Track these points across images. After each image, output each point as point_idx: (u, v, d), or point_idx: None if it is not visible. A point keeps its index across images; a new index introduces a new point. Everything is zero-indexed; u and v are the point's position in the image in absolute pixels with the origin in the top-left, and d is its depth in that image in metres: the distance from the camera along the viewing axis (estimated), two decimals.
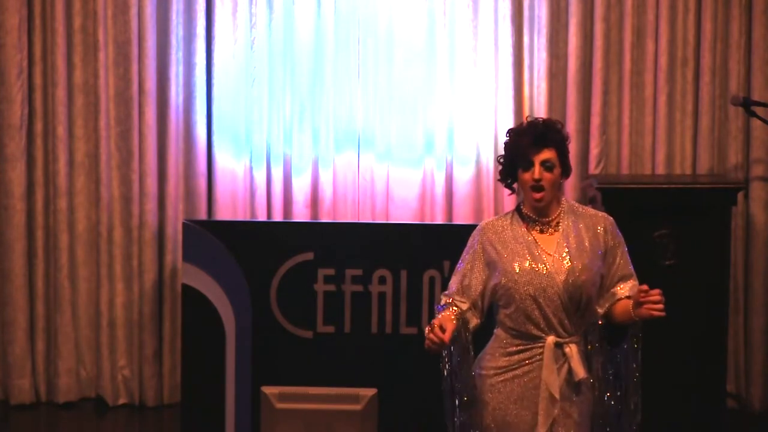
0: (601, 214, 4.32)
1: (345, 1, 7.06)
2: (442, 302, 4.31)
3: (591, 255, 4.23)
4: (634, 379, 4.32)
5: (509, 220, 4.30)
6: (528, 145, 4.19)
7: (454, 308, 4.27)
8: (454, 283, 4.32)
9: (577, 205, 4.34)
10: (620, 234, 4.31)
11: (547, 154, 4.19)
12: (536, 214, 4.26)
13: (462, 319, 4.26)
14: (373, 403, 6.17)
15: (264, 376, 6.24)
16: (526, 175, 4.20)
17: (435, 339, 4.09)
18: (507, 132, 4.31)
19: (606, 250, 4.27)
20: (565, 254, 4.21)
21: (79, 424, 7.03)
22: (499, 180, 4.35)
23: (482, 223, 4.35)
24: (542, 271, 4.19)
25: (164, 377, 7.18)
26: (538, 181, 4.19)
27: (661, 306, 4.11)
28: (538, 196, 4.21)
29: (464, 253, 4.33)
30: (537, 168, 4.19)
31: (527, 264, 4.20)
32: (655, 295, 4.11)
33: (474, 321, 4.29)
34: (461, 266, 4.32)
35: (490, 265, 4.27)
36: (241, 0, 7.06)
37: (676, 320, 6.17)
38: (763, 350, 7.06)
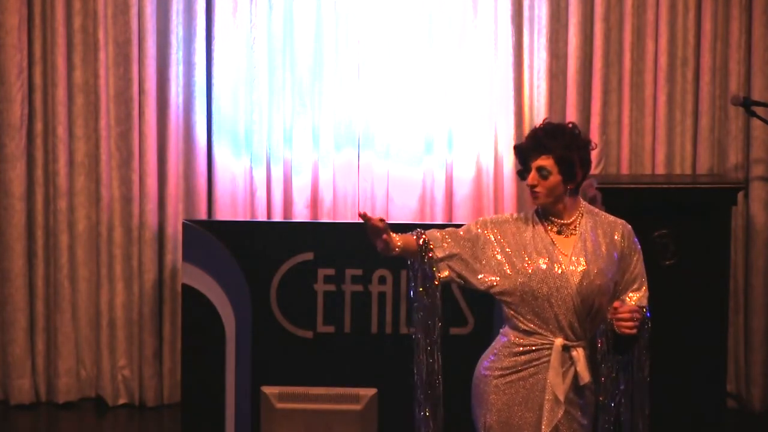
0: (620, 221, 4.34)
1: (345, 1, 7.06)
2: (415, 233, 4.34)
3: (607, 260, 4.24)
4: (643, 387, 4.33)
5: (530, 220, 4.30)
6: (526, 150, 4.25)
7: (423, 241, 4.29)
8: (441, 230, 4.33)
9: (596, 210, 4.35)
10: (638, 242, 4.32)
11: (542, 162, 4.21)
12: (556, 217, 4.27)
13: (430, 258, 4.28)
14: (373, 403, 6.18)
15: (264, 376, 6.24)
16: (526, 178, 4.24)
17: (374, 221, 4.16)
18: None
19: (621, 257, 4.27)
20: (581, 257, 4.21)
21: (79, 424, 7.03)
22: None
23: (503, 215, 4.36)
24: (557, 271, 4.20)
25: (164, 377, 7.18)
26: (532, 187, 4.22)
27: (630, 324, 4.15)
28: (533, 199, 4.26)
29: (467, 225, 4.33)
30: (532, 174, 4.23)
31: (543, 264, 4.21)
32: (624, 313, 4.16)
33: (444, 273, 4.30)
34: (458, 228, 4.33)
35: (483, 249, 4.27)
36: (241, 0, 7.06)
37: (677, 320, 6.18)
38: (763, 350, 7.06)
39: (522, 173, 4.31)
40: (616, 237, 4.29)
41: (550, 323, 4.21)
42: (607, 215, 4.35)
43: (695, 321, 6.26)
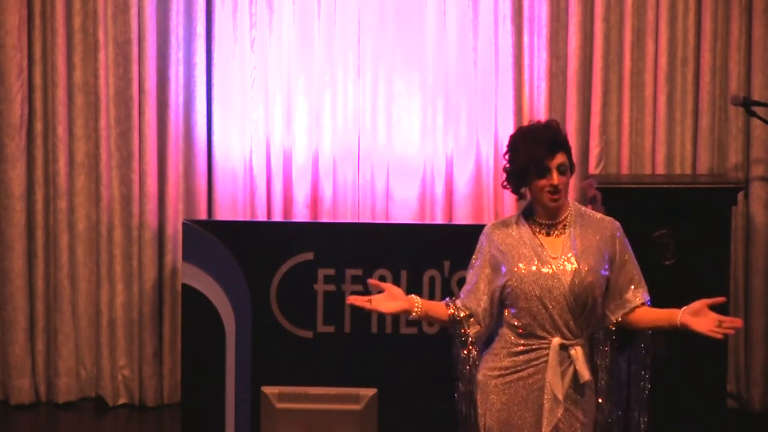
0: (608, 218, 4.33)
1: (345, 0, 7.06)
2: (447, 301, 4.34)
3: (597, 257, 4.23)
4: (643, 385, 4.33)
5: (515, 223, 4.30)
6: (543, 151, 4.19)
7: (452, 311, 4.29)
8: (463, 291, 4.34)
9: (584, 208, 4.34)
10: (627, 240, 4.32)
11: (560, 158, 4.19)
12: (547, 217, 4.26)
13: (458, 324, 4.28)
14: (373, 403, 6.17)
15: (264, 376, 6.24)
16: (542, 182, 4.18)
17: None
18: (513, 138, 4.29)
19: (613, 255, 4.27)
20: (571, 256, 4.21)
21: (79, 424, 7.03)
22: (505, 187, 4.32)
23: (488, 227, 4.34)
24: (548, 272, 4.19)
25: (164, 377, 7.18)
26: (556, 186, 4.19)
27: (726, 332, 4.20)
28: (555, 199, 4.21)
29: (473, 259, 4.33)
30: (555, 173, 4.19)
31: (533, 266, 4.20)
32: (736, 322, 4.21)
33: (475, 329, 4.30)
34: (470, 272, 4.33)
35: (496, 268, 4.27)
36: (241, 0, 7.06)
37: None
38: (763, 350, 7.06)
39: (517, 183, 4.26)
40: (606, 235, 4.28)
41: (546, 323, 4.20)
42: (595, 213, 4.35)
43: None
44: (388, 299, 4.29)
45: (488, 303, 4.27)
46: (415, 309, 4.26)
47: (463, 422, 4.34)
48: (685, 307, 4.25)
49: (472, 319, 4.29)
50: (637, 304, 4.30)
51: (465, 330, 4.28)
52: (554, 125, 4.25)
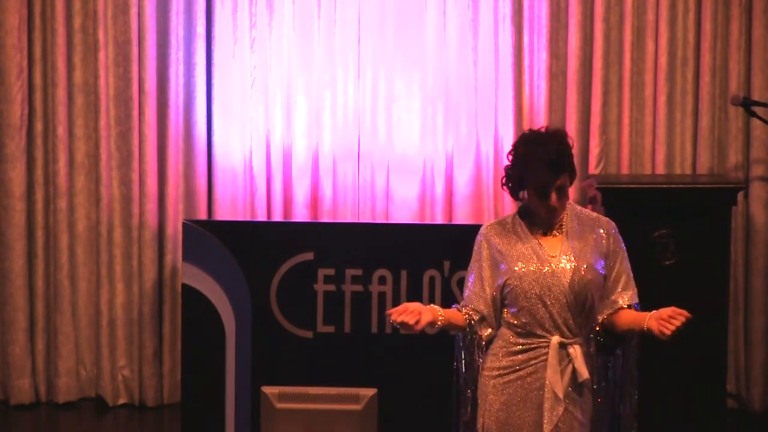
0: (604, 218, 4.34)
1: (345, 0, 7.07)
2: (457, 307, 4.33)
3: (595, 256, 4.24)
4: (631, 384, 4.33)
5: (511, 223, 4.30)
6: (545, 174, 4.15)
7: (467, 316, 4.29)
8: (466, 295, 4.33)
9: (579, 208, 4.34)
10: (622, 240, 4.32)
11: (562, 180, 4.18)
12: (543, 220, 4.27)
13: (472, 328, 4.29)
14: (373, 403, 6.17)
15: (264, 376, 6.24)
16: (542, 202, 4.19)
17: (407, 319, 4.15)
18: (516, 147, 4.26)
19: (608, 254, 4.27)
20: (569, 254, 4.22)
21: (79, 424, 7.03)
22: (503, 186, 4.32)
23: (484, 228, 4.34)
24: (547, 271, 4.20)
25: (164, 377, 7.18)
26: (554, 207, 4.20)
27: (673, 326, 4.12)
28: (552, 214, 4.22)
29: (472, 261, 4.33)
30: (554, 195, 4.18)
31: (533, 265, 4.21)
32: (678, 316, 4.14)
33: (487, 331, 4.30)
34: (471, 277, 4.33)
35: (496, 268, 4.27)
36: (241, 0, 7.07)
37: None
38: (763, 350, 7.06)
39: (515, 189, 4.25)
40: (601, 232, 4.29)
41: (546, 322, 4.21)
42: (591, 213, 4.36)
43: (695, 321, 6.25)
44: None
45: (494, 304, 4.28)
46: (440, 319, 4.25)
47: (465, 424, 4.34)
48: (653, 311, 4.20)
49: (484, 322, 4.30)
50: (622, 306, 4.29)
51: (480, 333, 4.29)
52: (560, 137, 4.21)
